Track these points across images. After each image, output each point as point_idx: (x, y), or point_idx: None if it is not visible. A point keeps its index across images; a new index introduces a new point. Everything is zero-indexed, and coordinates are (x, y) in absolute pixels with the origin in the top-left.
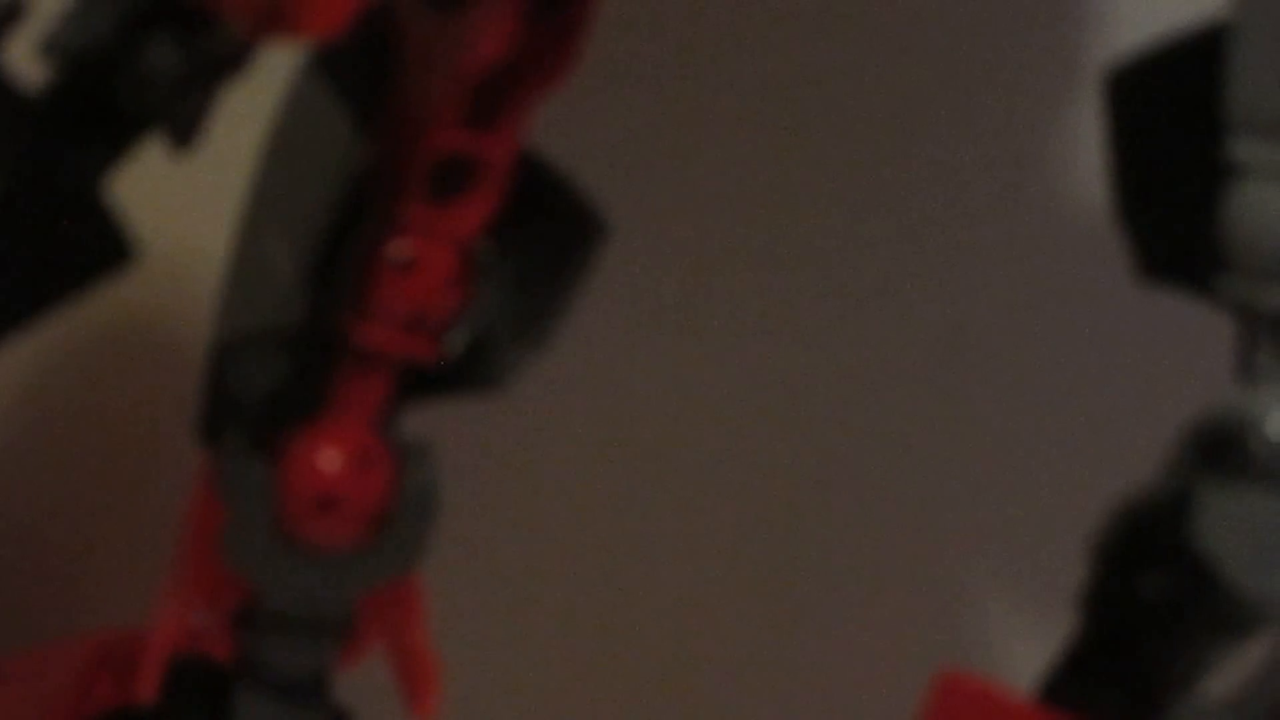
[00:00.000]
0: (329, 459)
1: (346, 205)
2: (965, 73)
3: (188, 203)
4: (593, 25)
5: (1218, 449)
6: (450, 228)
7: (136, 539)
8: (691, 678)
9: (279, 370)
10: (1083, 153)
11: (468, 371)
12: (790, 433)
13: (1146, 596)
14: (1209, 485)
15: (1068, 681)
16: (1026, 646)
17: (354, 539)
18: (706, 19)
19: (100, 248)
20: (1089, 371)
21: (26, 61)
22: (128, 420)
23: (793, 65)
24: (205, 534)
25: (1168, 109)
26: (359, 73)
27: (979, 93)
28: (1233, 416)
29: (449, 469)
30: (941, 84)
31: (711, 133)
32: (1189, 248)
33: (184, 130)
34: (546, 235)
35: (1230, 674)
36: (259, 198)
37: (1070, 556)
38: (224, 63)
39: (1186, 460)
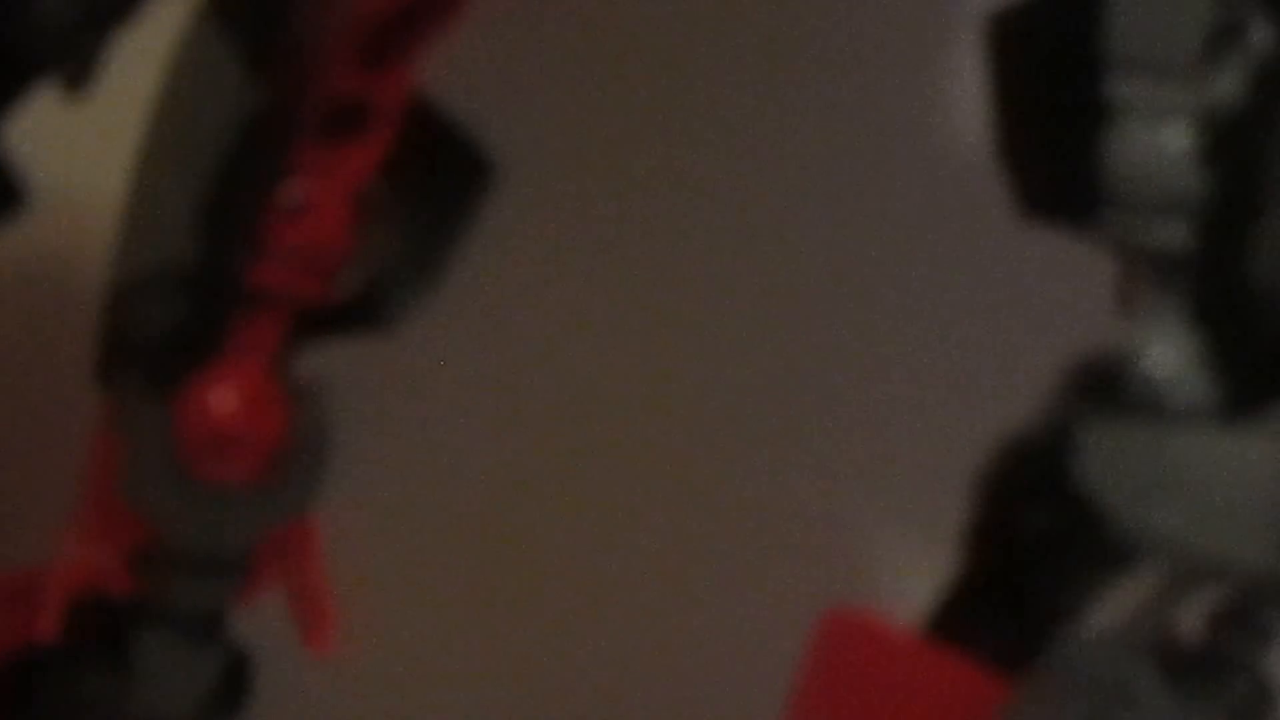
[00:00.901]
0: (224, 399)
1: (240, 147)
2: (847, 13)
3: (84, 144)
4: None
5: (1098, 384)
6: (342, 169)
7: (37, 479)
8: (584, 612)
9: (175, 311)
10: (964, 92)
11: (360, 312)
12: (683, 368)
13: (1030, 531)
14: (1090, 420)
15: (954, 616)
16: (913, 581)
17: (249, 478)
18: None
19: None
20: (974, 307)
21: None
22: (27, 361)
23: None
24: (105, 474)
25: (1048, 48)
26: (253, 14)
27: (861, 33)
28: (1114, 352)
29: (343, 409)
30: (824, 26)
31: (599, 63)
32: (1070, 186)
33: (79, 73)
34: (437, 176)
35: (1114, 607)
36: (155, 139)
37: (956, 492)
38: (118, 5)
39: (1069, 396)
